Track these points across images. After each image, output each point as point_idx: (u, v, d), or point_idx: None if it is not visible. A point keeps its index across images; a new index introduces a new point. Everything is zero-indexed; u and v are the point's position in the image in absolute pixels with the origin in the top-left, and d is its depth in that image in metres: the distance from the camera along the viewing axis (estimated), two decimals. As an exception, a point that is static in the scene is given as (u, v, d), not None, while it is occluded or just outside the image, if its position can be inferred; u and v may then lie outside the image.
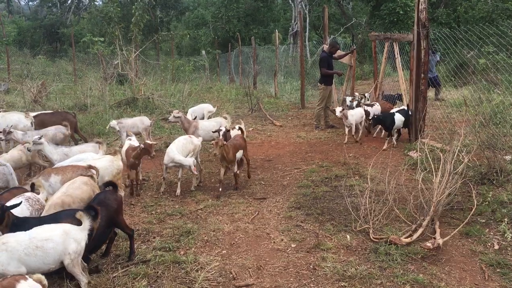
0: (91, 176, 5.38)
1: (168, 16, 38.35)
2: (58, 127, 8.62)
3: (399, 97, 11.24)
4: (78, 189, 4.99)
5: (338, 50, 11.96)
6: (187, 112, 10.90)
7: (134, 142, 7.51)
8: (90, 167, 5.78)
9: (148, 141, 7.04)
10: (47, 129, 8.56)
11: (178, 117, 8.95)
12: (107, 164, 6.19)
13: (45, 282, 3.50)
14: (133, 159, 6.97)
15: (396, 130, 9.52)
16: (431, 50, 13.59)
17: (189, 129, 8.85)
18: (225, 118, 9.24)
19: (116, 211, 4.85)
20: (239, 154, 7.39)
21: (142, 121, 9.55)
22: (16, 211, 4.50)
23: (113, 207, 4.80)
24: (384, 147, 9.23)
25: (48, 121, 9.26)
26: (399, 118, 9.30)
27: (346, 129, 10.18)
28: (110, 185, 5.14)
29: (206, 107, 11.43)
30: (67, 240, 3.95)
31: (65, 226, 4.05)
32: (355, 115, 10.00)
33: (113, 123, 9.22)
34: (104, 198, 4.83)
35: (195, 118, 9.61)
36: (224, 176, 7.38)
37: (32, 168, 8.02)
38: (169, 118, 9.23)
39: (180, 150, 7.15)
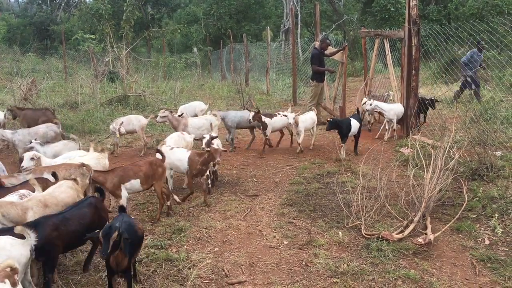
0: (75, 180, 5.25)
1: (159, 13, 38.13)
2: (49, 125, 8.56)
3: (432, 103, 9.78)
4: (63, 193, 4.79)
5: (330, 47, 11.97)
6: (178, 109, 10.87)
7: (180, 149, 6.88)
8: (83, 165, 5.74)
9: (214, 146, 6.57)
10: (37, 127, 8.50)
11: (165, 116, 8.92)
12: (93, 162, 6.13)
13: (16, 266, 3.37)
14: (200, 166, 6.40)
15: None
16: (478, 48, 12.03)
17: (178, 127, 8.80)
18: (215, 115, 9.20)
19: (103, 221, 4.55)
20: (131, 185, 5.74)
21: (138, 119, 9.51)
22: None
23: (102, 216, 4.62)
24: (343, 156, 8.56)
25: (29, 118, 9.43)
26: (355, 124, 8.70)
27: (301, 136, 9.24)
28: (98, 192, 4.94)
29: (198, 105, 11.27)
30: None
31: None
32: (306, 121, 9.28)
33: (112, 127, 9.23)
34: (96, 202, 4.63)
35: (181, 115, 9.48)
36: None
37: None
38: (157, 119, 9.17)
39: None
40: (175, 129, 8.89)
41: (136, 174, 5.76)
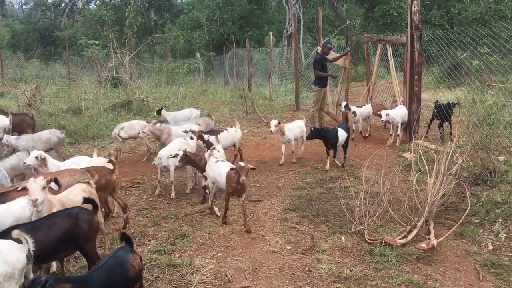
0: (88, 183, 5.28)
1: (162, 18, 38.28)
2: (52, 131, 8.59)
3: (450, 107, 9.22)
4: (77, 195, 4.83)
5: (332, 51, 11.98)
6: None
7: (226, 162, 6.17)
8: (87, 170, 5.76)
9: (241, 163, 5.64)
10: (41, 132, 8.54)
11: (147, 130, 8.51)
12: None
13: None
14: (235, 184, 5.66)
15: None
16: None
17: (162, 137, 8.51)
18: (199, 124, 9.02)
19: (84, 234, 4.24)
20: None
21: (141, 125, 9.52)
22: (17, 211, 4.44)
23: (83, 228, 4.22)
24: (327, 167, 8.26)
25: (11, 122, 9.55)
26: (342, 134, 8.28)
27: (283, 146, 8.89)
28: (90, 203, 4.55)
29: (189, 113, 10.88)
30: None
31: None
32: (293, 129, 8.85)
33: (114, 132, 9.27)
34: (78, 213, 4.26)
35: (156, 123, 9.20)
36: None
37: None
38: (140, 135, 8.68)
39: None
40: (159, 139, 8.63)
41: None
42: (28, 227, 3.97)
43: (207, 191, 6.70)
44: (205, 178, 6.71)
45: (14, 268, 3.52)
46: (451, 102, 9.49)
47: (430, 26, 22.41)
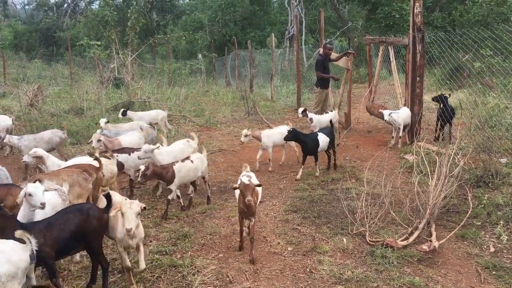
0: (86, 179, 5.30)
1: (164, 19, 38.37)
2: (54, 131, 8.59)
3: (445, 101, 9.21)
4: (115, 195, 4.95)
5: (333, 53, 11.97)
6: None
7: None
8: (84, 170, 5.76)
9: (246, 180, 5.00)
10: (42, 133, 8.54)
11: (100, 141, 7.71)
12: None
13: None
14: (242, 205, 4.95)
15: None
16: None
17: (114, 148, 7.82)
18: (142, 129, 8.60)
19: (93, 231, 4.26)
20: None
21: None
22: (51, 200, 4.58)
23: (92, 224, 4.24)
24: (297, 177, 7.88)
25: None
26: (324, 139, 7.89)
27: (259, 152, 8.62)
28: (107, 200, 4.51)
29: (155, 115, 10.59)
30: None
31: None
32: (273, 136, 8.39)
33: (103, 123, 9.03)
34: (89, 209, 4.33)
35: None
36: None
37: (28, 172, 8.00)
38: (93, 145, 7.72)
39: (178, 155, 7.09)
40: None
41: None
42: (45, 223, 4.07)
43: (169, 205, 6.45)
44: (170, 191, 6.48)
45: (17, 268, 3.51)
46: (443, 95, 9.32)
47: (432, 28, 22.43)
